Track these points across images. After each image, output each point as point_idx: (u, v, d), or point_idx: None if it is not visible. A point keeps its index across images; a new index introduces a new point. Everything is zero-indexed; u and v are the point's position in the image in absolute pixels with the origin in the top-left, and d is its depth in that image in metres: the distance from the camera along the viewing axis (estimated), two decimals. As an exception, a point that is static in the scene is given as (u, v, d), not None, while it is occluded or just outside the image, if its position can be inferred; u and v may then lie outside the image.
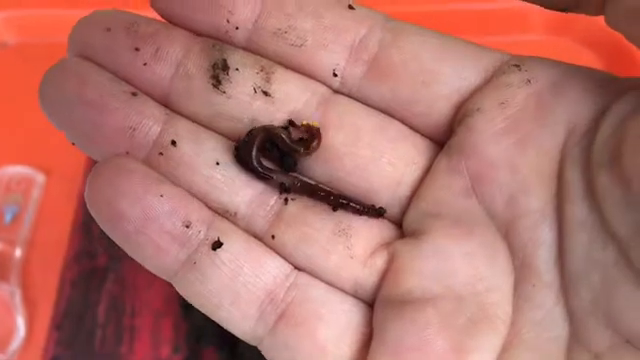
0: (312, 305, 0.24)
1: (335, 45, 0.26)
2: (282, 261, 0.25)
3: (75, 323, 0.48)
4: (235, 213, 0.25)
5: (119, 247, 0.52)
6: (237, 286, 0.24)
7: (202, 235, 0.24)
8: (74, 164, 0.55)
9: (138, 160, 0.25)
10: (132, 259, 0.52)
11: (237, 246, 0.25)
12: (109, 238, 0.53)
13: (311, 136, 0.25)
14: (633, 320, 0.20)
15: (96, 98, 0.25)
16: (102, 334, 0.47)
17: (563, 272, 0.22)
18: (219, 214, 0.25)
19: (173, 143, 0.25)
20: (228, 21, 0.26)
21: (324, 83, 0.26)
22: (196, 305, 0.25)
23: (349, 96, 0.26)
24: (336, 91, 0.26)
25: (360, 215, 0.26)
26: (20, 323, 0.48)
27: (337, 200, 0.25)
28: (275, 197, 0.26)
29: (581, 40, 0.61)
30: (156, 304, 0.48)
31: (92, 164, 0.54)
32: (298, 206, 0.26)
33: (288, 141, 0.25)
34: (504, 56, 0.25)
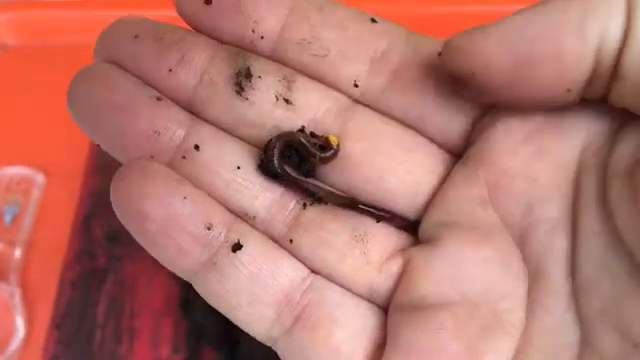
0: (328, 308, 0.25)
1: (357, 56, 0.27)
2: (299, 264, 0.26)
3: (75, 323, 0.48)
4: (254, 217, 0.26)
5: (119, 247, 0.53)
6: (255, 287, 0.25)
7: (222, 237, 0.25)
8: (74, 165, 0.55)
9: (162, 163, 0.25)
10: (132, 260, 0.52)
11: (256, 248, 0.25)
12: (109, 238, 0.54)
13: (329, 145, 0.26)
14: None
15: (123, 102, 0.25)
16: (102, 334, 0.47)
17: (575, 279, 0.23)
18: (239, 217, 0.26)
19: (196, 147, 0.26)
20: (254, 31, 0.26)
21: (345, 93, 0.27)
22: (214, 305, 0.25)
23: (368, 107, 0.27)
24: (356, 101, 0.27)
25: (386, 222, 0.26)
26: (20, 323, 0.48)
27: (360, 207, 0.26)
28: (294, 202, 0.26)
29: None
30: (156, 305, 0.48)
31: (92, 165, 0.55)
32: (316, 211, 0.26)
33: (307, 145, 0.26)
34: None
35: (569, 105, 0.22)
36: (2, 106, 0.59)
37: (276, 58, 0.27)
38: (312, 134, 0.26)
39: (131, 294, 0.49)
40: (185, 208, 0.24)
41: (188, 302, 0.48)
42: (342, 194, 0.27)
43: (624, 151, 0.22)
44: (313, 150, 0.26)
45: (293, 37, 0.27)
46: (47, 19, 0.63)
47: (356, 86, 0.27)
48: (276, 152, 0.26)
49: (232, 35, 0.27)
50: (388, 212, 0.26)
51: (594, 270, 0.22)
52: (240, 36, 0.27)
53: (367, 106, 0.27)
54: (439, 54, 0.24)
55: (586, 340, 0.22)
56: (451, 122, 0.26)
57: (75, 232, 0.52)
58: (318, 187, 0.26)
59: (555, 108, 0.23)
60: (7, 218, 0.53)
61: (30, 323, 0.49)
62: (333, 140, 0.26)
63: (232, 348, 0.46)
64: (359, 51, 0.27)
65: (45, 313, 0.49)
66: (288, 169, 0.26)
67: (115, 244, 0.51)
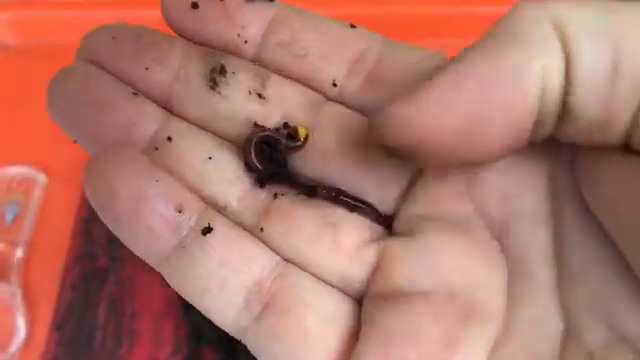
0: (299, 293, 0.25)
1: (336, 57, 0.27)
2: (270, 252, 0.26)
3: (75, 324, 0.48)
4: (225, 207, 0.26)
5: (120, 249, 0.52)
6: (225, 272, 0.25)
7: (193, 221, 0.25)
8: (75, 165, 0.55)
9: (135, 150, 0.26)
10: (133, 261, 0.52)
11: (227, 233, 0.25)
12: (110, 240, 0.54)
13: (297, 135, 0.27)
14: (630, 319, 0.20)
15: (99, 96, 0.26)
16: (102, 336, 0.47)
17: (559, 271, 0.22)
18: (210, 207, 0.26)
19: (169, 139, 0.27)
20: (239, 35, 0.28)
21: (323, 92, 0.28)
22: (183, 293, 0.25)
23: (343, 104, 0.28)
24: (331, 99, 0.28)
25: (363, 215, 0.26)
26: (21, 324, 0.48)
27: (343, 198, 0.26)
28: (265, 192, 0.27)
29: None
30: (156, 306, 0.48)
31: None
32: (287, 201, 0.26)
33: (275, 135, 0.27)
34: None
35: (519, 150, 0.22)
36: (3, 105, 0.59)
37: (258, 61, 0.28)
38: (285, 124, 0.27)
39: (132, 295, 0.49)
40: (156, 189, 0.25)
41: (188, 303, 0.48)
42: (329, 186, 0.27)
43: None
44: (280, 139, 0.26)
45: (274, 39, 0.28)
46: (48, 18, 0.63)
47: (335, 85, 0.27)
48: (253, 148, 0.26)
49: (218, 39, 0.28)
50: (366, 203, 0.26)
51: (580, 262, 0.22)
52: (226, 40, 0.28)
53: (343, 104, 0.28)
54: (369, 127, 0.22)
55: (570, 331, 0.22)
56: None
57: (76, 233, 0.52)
58: (307, 179, 0.27)
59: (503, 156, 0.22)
60: (8, 218, 0.53)
61: (31, 324, 0.48)
62: (302, 131, 0.27)
63: (232, 350, 0.46)
64: (338, 52, 0.27)
65: (46, 314, 0.48)
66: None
67: (116, 245, 0.51)
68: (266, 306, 0.24)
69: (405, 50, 0.27)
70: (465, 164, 0.23)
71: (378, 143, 0.22)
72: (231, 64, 0.27)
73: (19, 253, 0.51)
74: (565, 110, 0.20)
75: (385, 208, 0.26)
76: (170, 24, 0.28)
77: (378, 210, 0.26)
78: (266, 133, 0.27)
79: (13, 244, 0.52)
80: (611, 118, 0.19)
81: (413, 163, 0.24)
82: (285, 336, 0.24)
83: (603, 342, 0.21)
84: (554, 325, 0.22)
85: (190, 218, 0.25)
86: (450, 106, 0.20)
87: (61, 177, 0.55)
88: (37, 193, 0.54)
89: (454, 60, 0.20)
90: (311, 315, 0.24)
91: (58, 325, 0.48)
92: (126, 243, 0.25)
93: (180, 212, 0.25)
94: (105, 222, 0.25)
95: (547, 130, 0.21)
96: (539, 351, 0.22)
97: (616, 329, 0.21)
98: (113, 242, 0.51)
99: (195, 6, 0.27)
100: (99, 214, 0.25)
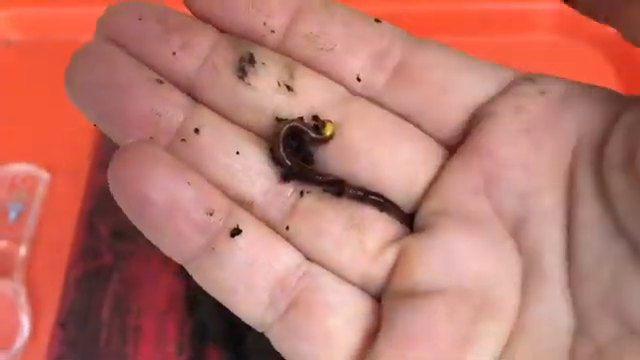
0: (322, 294, 0.25)
1: (362, 51, 0.27)
2: (295, 251, 0.26)
3: (80, 322, 0.48)
4: (252, 203, 0.26)
5: (124, 245, 0.52)
6: (252, 272, 0.25)
7: (222, 223, 0.25)
8: (79, 162, 0.55)
9: (161, 146, 0.26)
10: (137, 258, 0.52)
11: (254, 234, 0.25)
12: (114, 236, 0.53)
13: (325, 128, 0.26)
14: (637, 311, 0.21)
15: (123, 82, 0.25)
16: (107, 333, 0.47)
17: (571, 268, 0.23)
18: (237, 203, 0.26)
19: (196, 131, 0.26)
20: (265, 24, 0.27)
21: (347, 86, 0.28)
22: (210, 291, 0.25)
23: (370, 100, 0.27)
24: (357, 94, 0.28)
25: (387, 213, 0.26)
26: (25, 321, 0.48)
27: (370, 197, 0.26)
28: (292, 189, 0.26)
29: (590, 41, 0.61)
30: (161, 303, 0.48)
31: (97, 162, 0.54)
32: (313, 199, 0.26)
33: (302, 126, 0.26)
34: (516, 72, 0.27)
35: None
36: (6, 102, 0.59)
37: (283, 51, 0.28)
38: (315, 117, 0.27)
39: (136, 293, 0.48)
40: (188, 194, 0.24)
41: (193, 301, 0.48)
42: (356, 186, 0.27)
43: (620, 135, 0.22)
44: (307, 130, 0.26)
45: (301, 31, 0.27)
46: (50, 15, 0.63)
47: (359, 80, 0.27)
48: (282, 141, 0.26)
49: (243, 28, 0.27)
50: (392, 203, 0.26)
51: (592, 259, 0.22)
52: (251, 29, 0.27)
53: (367, 99, 0.27)
54: None
55: (581, 327, 0.22)
56: (449, 115, 0.27)
57: (80, 230, 0.51)
58: (330, 176, 0.27)
59: None
60: (12, 215, 0.53)
61: (35, 321, 0.48)
62: (329, 125, 0.26)
63: (237, 347, 0.46)
64: (363, 47, 0.27)
65: (50, 311, 0.48)
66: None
67: (120, 241, 0.51)
68: (291, 305, 0.25)
69: (428, 46, 0.27)
70: None
71: None
72: (260, 54, 0.27)
73: (23, 250, 0.51)
74: None
75: (408, 206, 0.27)
76: (192, 9, 0.27)
77: (402, 210, 0.27)
78: (294, 124, 0.26)
79: (17, 241, 0.52)
80: None
81: None
82: (309, 336, 0.24)
83: (614, 337, 0.21)
84: (565, 322, 0.23)
85: (220, 220, 0.25)
86: None
87: (64, 174, 0.55)
88: (40, 190, 0.54)
89: None
90: (334, 315, 0.25)
91: (62, 323, 0.48)
92: (154, 242, 0.25)
93: (211, 215, 0.25)
94: (135, 224, 0.25)
95: None
96: (550, 348, 0.23)
97: (627, 324, 0.21)
98: (117, 239, 0.51)
99: None
100: (129, 217, 0.24)
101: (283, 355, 0.25)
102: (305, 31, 0.27)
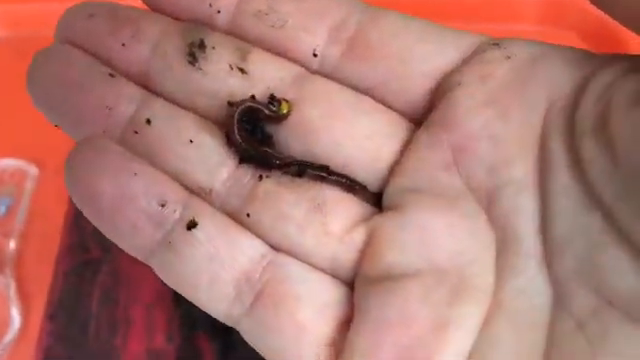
0: (290, 284, 0.24)
1: (315, 26, 0.26)
2: (258, 241, 0.25)
3: (69, 314, 0.48)
4: (210, 191, 0.25)
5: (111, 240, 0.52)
6: (214, 266, 0.24)
7: (177, 215, 0.24)
8: (66, 157, 0.55)
9: (113, 140, 0.25)
10: (125, 251, 0.52)
11: (212, 226, 0.25)
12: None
13: (281, 106, 0.26)
14: (617, 281, 0.20)
15: (77, 79, 0.26)
16: (96, 325, 0.47)
17: (546, 239, 0.22)
18: (194, 193, 0.25)
19: (148, 122, 0.26)
20: (211, 5, 0.27)
21: (304, 64, 0.27)
22: (173, 286, 0.25)
23: (327, 77, 0.27)
24: (314, 72, 0.27)
25: (352, 193, 0.26)
26: (15, 315, 0.48)
27: (332, 176, 0.25)
28: (249, 174, 0.26)
29: (575, 31, 0.61)
30: (149, 295, 0.48)
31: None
32: (272, 183, 0.26)
33: (259, 105, 0.26)
34: (483, 37, 0.26)
35: None
36: (-7, 98, 0.59)
37: (234, 33, 0.27)
38: (271, 96, 0.26)
39: (124, 285, 0.49)
40: (136, 185, 0.24)
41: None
42: (316, 163, 0.26)
43: (591, 99, 0.21)
44: (261, 107, 0.25)
45: (249, 9, 0.27)
46: (38, 11, 0.63)
47: (315, 56, 0.27)
48: (236, 123, 0.25)
49: (190, 12, 0.27)
50: (356, 181, 0.26)
51: (567, 229, 0.21)
52: (199, 12, 0.27)
53: (326, 77, 0.27)
54: None
55: (559, 300, 0.22)
56: (410, 86, 0.26)
57: (68, 224, 0.52)
58: (290, 157, 0.26)
59: None
60: (1, 210, 0.53)
61: (25, 315, 0.49)
62: (285, 104, 0.26)
63: (226, 336, 0.46)
64: (316, 21, 0.26)
65: (40, 304, 0.49)
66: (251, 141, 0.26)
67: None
68: (257, 297, 0.24)
69: (387, 15, 0.26)
70: None
71: None
72: (211, 39, 0.26)
73: (12, 245, 0.52)
74: None
75: (374, 185, 0.26)
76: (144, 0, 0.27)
77: (367, 188, 0.26)
78: (247, 104, 0.26)
79: (6, 236, 0.52)
80: None
81: None
82: (278, 329, 0.24)
83: (592, 309, 0.21)
84: (543, 296, 0.22)
85: (175, 212, 0.24)
86: None
87: (52, 169, 0.55)
88: (29, 185, 0.54)
89: None
90: (303, 306, 0.24)
91: (51, 315, 0.48)
92: (111, 238, 0.25)
93: (163, 206, 0.24)
94: (89, 219, 0.25)
95: None
96: (529, 322, 0.22)
97: (603, 294, 0.20)
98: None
99: None
100: (82, 211, 0.24)
101: (255, 348, 0.25)
102: (253, 9, 0.27)
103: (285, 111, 0.26)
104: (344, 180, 0.25)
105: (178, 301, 0.48)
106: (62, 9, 0.63)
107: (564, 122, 0.22)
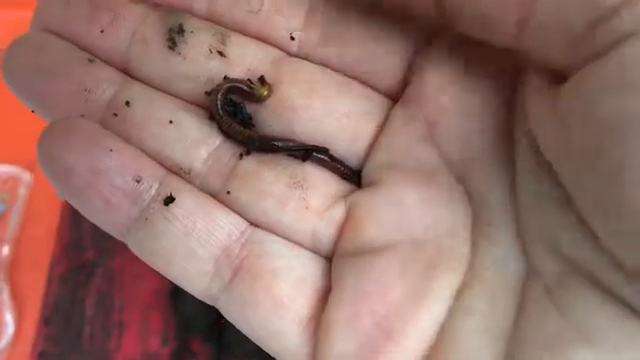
0: (268, 259, 0.24)
1: (290, 10, 0.27)
2: (237, 217, 0.25)
3: (64, 319, 0.48)
4: (189, 171, 0.26)
5: (108, 242, 0.52)
6: (191, 242, 0.24)
7: (154, 191, 0.25)
8: (61, 162, 0.55)
9: (90, 121, 0.26)
10: (120, 254, 0.52)
11: (190, 202, 0.25)
12: (98, 233, 0.53)
13: (261, 85, 0.26)
14: (578, 248, 0.21)
15: (52, 64, 0.26)
16: (90, 329, 0.48)
17: (517, 210, 0.22)
18: (173, 172, 0.26)
19: (127, 104, 0.26)
20: None
21: (282, 47, 0.27)
22: (150, 263, 0.25)
23: (306, 59, 0.27)
24: (294, 55, 0.27)
25: (332, 171, 0.26)
26: (9, 320, 0.49)
27: (309, 153, 0.26)
28: (230, 154, 0.26)
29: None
30: (144, 298, 0.49)
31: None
32: (252, 161, 0.26)
33: (241, 85, 0.26)
34: None
35: None
36: (-13, 105, 0.59)
37: (212, 18, 0.27)
38: (249, 80, 0.26)
39: (119, 288, 0.49)
40: (111, 160, 0.24)
41: (177, 295, 0.48)
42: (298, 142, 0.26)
43: (535, 78, 0.22)
44: (242, 86, 0.26)
45: None
46: (29, 16, 0.63)
47: (292, 39, 0.27)
48: (219, 100, 0.26)
49: None
50: (335, 158, 0.26)
51: (530, 196, 0.22)
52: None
53: (304, 59, 0.27)
54: None
55: (531, 267, 0.22)
56: (386, 64, 0.26)
57: (63, 226, 0.52)
58: (268, 135, 0.26)
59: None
60: (-6, 216, 0.54)
61: (19, 319, 0.49)
62: (266, 85, 0.26)
63: (220, 338, 0.46)
64: (291, 4, 0.27)
65: (34, 309, 0.49)
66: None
67: (103, 237, 0.51)
68: (236, 272, 0.24)
69: None
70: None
71: None
72: (190, 23, 0.27)
73: (6, 250, 0.52)
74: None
75: (354, 162, 0.26)
76: None
77: (346, 164, 0.26)
78: (231, 84, 0.26)
79: (0, 241, 0.52)
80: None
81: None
82: (257, 304, 0.24)
83: (558, 271, 0.21)
84: (517, 264, 0.22)
85: (150, 187, 0.24)
86: None
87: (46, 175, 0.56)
88: (22, 191, 0.55)
89: None
90: (281, 281, 0.24)
91: (46, 319, 0.48)
92: (85, 215, 0.25)
93: (138, 182, 0.24)
94: (62, 196, 0.25)
95: None
96: (502, 290, 0.22)
97: (564, 256, 0.21)
98: (100, 235, 0.51)
99: None
100: (55, 189, 0.24)
101: (235, 325, 0.25)
102: None
103: (266, 93, 0.26)
104: (323, 157, 0.26)
105: (175, 304, 0.48)
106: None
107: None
